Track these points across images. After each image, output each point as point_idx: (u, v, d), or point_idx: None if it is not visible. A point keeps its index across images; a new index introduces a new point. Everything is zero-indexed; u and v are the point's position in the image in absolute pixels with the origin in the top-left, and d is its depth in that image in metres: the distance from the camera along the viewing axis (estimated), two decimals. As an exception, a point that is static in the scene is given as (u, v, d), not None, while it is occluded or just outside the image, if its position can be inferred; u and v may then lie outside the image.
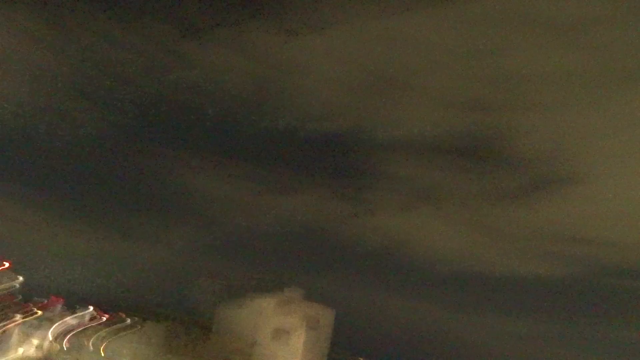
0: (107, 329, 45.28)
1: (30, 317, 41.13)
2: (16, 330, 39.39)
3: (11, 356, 37.11)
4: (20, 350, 38.23)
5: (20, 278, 38.73)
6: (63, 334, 43.33)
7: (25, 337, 39.72)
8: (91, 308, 46.72)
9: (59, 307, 44.39)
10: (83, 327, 44.53)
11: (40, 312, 42.26)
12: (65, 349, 42.61)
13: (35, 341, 40.43)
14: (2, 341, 37.20)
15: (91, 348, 43.01)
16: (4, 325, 37.63)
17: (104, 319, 46.95)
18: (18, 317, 40.12)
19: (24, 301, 42.21)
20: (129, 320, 47.59)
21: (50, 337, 42.31)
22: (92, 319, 45.95)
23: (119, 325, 46.06)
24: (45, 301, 44.46)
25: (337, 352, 44.74)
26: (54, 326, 42.69)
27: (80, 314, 45.27)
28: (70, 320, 43.98)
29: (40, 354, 40.09)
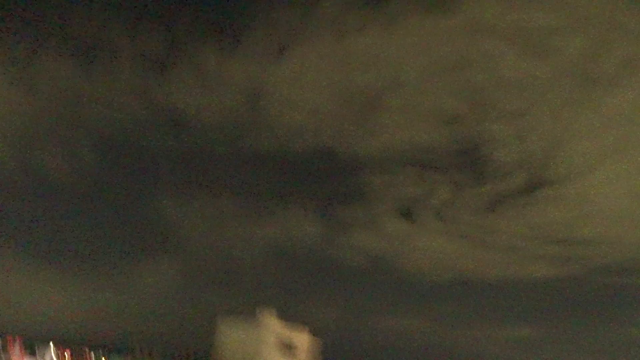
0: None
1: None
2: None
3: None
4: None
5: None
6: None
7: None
8: (52, 346, 44.11)
9: (16, 348, 41.63)
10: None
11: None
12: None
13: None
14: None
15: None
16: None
17: (67, 356, 44.40)
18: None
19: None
20: (93, 356, 45.24)
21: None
22: (54, 357, 43.34)
23: (83, 362, 43.59)
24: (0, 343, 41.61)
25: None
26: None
27: (41, 353, 42.63)
28: (30, 361, 41.25)
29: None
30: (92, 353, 45.35)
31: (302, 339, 42.29)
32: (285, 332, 41.81)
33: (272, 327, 41.62)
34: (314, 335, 41.07)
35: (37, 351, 42.20)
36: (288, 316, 39.57)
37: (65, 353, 44.58)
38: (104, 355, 44.70)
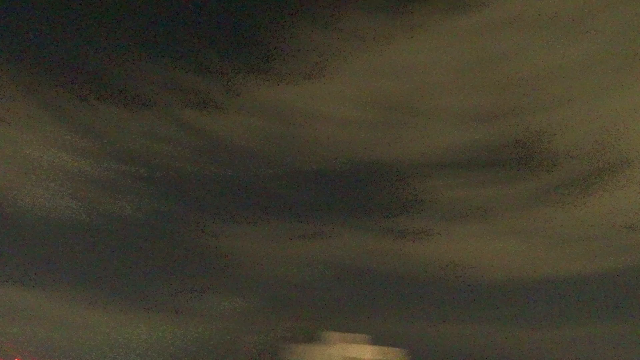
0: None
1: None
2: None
3: None
4: None
5: None
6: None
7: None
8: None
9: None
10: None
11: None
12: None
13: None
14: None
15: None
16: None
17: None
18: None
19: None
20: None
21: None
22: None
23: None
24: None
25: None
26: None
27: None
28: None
29: None
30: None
31: (371, 356, 42.13)
32: (353, 351, 41.75)
33: (340, 348, 41.64)
34: (382, 350, 40.83)
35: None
36: (355, 335, 39.46)
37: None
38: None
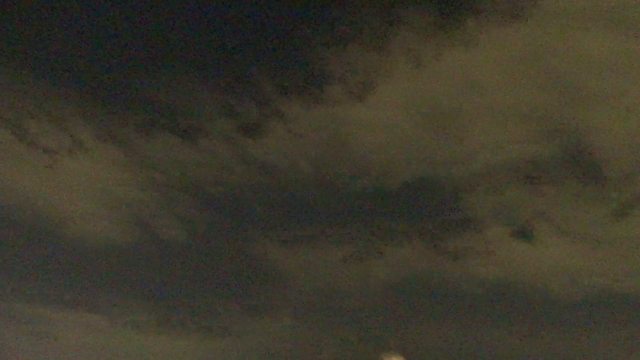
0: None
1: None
2: None
3: None
4: None
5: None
6: None
7: None
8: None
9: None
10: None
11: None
12: None
13: None
14: None
15: None
16: None
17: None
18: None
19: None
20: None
21: None
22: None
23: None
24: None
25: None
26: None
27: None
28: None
29: None
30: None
31: None
32: None
33: None
34: None
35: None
36: (414, 356, 39.15)
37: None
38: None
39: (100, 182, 17.87)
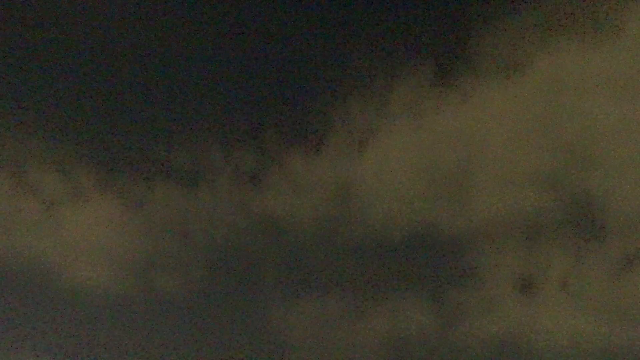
0: None
1: None
2: None
3: None
4: None
5: None
6: None
7: None
8: None
9: None
10: None
11: None
12: None
13: None
14: None
15: None
16: None
17: None
18: None
19: None
20: None
21: None
22: None
23: None
24: None
25: None
26: None
27: None
28: None
29: None
30: None
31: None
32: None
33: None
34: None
35: None
36: None
37: None
38: None
39: (98, 232, 17.78)
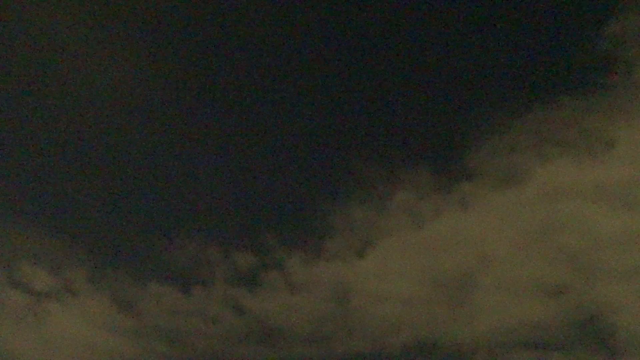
0: None
1: None
2: None
3: None
4: None
5: None
6: None
7: None
8: None
9: None
10: None
11: None
12: None
13: None
14: None
15: None
16: None
17: None
18: None
19: None
20: None
21: None
22: None
23: None
24: None
25: None
26: None
27: None
28: None
29: None
30: None
31: None
32: None
33: None
34: None
35: None
36: None
37: None
38: None
39: (85, 330, 17.01)
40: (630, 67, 16.34)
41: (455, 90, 17.98)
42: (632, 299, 16.47)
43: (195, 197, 18.50)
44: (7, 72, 17.58)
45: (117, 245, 18.13)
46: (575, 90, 16.93)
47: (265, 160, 18.85)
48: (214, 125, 18.68)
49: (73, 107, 18.05)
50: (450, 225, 17.17)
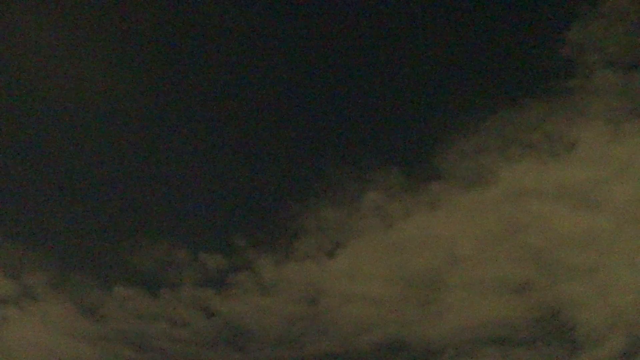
0: None
1: None
2: None
3: None
4: None
5: None
6: None
7: None
8: None
9: None
10: None
11: None
12: None
13: None
14: None
15: None
16: None
17: None
18: None
19: None
20: None
21: None
22: None
23: None
24: None
25: None
26: None
27: None
28: None
29: None
30: None
31: None
32: None
33: None
34: None
35: None
36: None
37: None
38: None
39: (46, 336, 16.32)
40: (590, 72, 17.03)
41: (424, 94, 18.27)
42: (592, 295, 17.13)
43: (162, 197, 18.09)
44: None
45: (80, 248, 17.51)
46: (538, 94, 17.48)
47: (233, 161, 18.65)
48: (181, 127, 18.35)
49: (37, 108, 17.39)
50: (419, 226, 17.41)
